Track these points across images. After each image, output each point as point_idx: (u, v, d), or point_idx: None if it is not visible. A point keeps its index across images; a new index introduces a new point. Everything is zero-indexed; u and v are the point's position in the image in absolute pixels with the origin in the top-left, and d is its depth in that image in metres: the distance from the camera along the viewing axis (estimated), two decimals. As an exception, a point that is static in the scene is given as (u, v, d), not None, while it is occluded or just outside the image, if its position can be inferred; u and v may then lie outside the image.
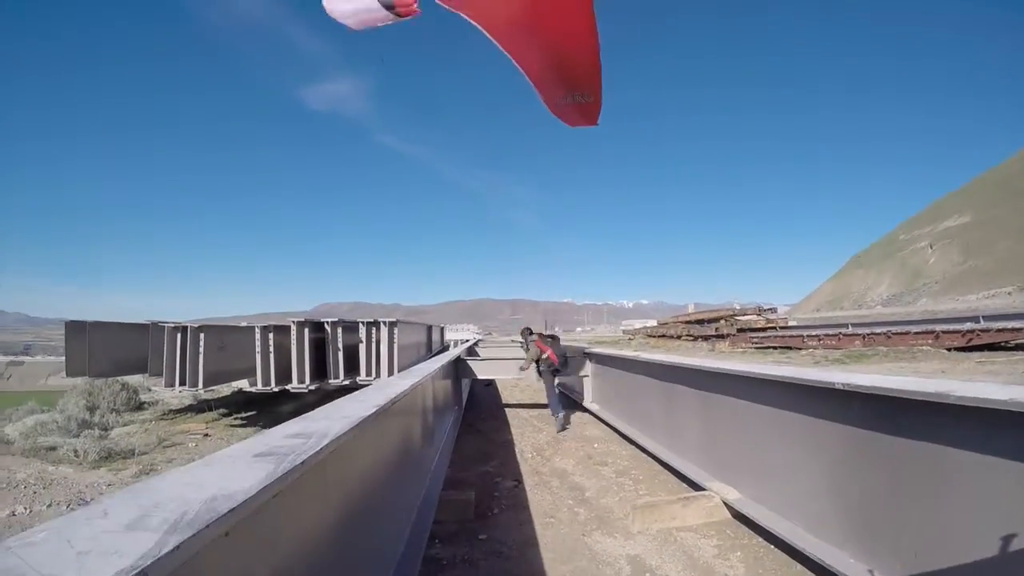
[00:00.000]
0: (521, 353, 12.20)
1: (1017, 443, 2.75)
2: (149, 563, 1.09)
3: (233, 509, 1.41)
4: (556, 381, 11.35)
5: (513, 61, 7.94)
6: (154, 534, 1.23)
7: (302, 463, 1.90)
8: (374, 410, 3.13)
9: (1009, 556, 2.73)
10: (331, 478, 2.44)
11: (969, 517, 3.04)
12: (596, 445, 9.05)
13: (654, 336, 48.04)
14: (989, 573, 2.87)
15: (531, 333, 11.92)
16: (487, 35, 7.23)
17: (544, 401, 12.95)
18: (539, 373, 11.29)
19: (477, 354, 14.16)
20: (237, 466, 1.83)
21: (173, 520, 1.31)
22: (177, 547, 1.17)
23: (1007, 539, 2.75)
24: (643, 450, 8.24)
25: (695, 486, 6.28)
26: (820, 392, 4.27)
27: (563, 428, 10.46)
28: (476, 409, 13.12)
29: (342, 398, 3.80)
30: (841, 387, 3.93)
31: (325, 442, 2.20)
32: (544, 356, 11.01)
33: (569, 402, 12.61)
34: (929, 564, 3.27)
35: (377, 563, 3.39)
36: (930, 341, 22.05)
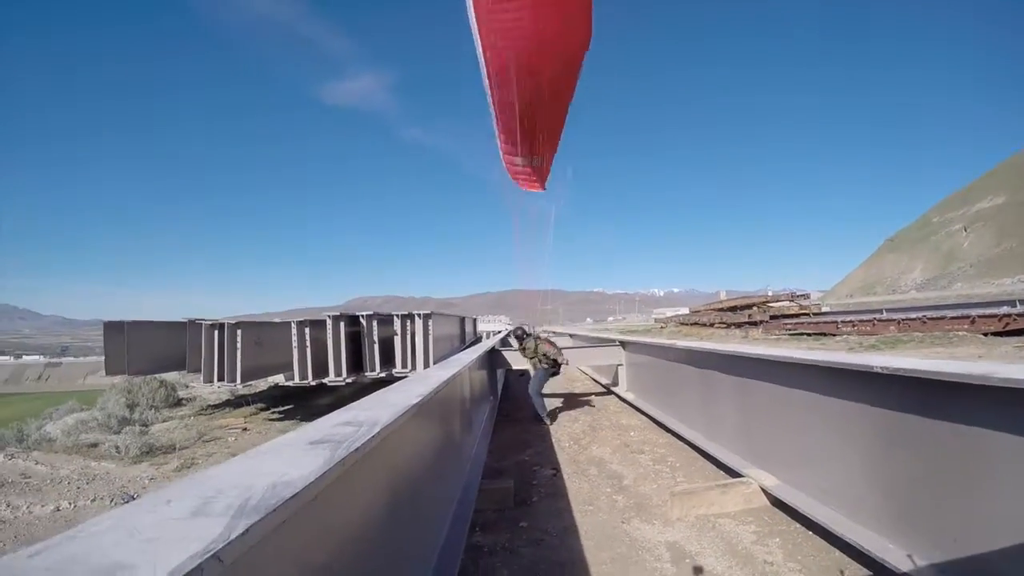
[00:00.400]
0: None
1: None
2: (221, 547, 1.10)
3: (296, 494, 1.43)
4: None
5: (494, 116, 8.13)
6: (221, 519, 1.24)
7: (356, 450, 1.92)
8: (418, 399, 3.15)
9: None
10: (380, 465, 2.46)
11: (1010, 503, 2.99)
12: (632, 433, 9.01)
13: (686, 324, 47.75)
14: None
15: (527, 335, 11.16)
16: (487, 85, 7.42)
17: (578, 391, 12.89)
18: (538, 372, 10.66)
19: (511, 345, 14.23)
20: (294, 453, 1.86)
21: (238, 505, 1.32)
22: (246, 531, 1.18)
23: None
24: (680, 437, 8.19)
25: (732, 473, 6.24)
26: (858, 376, 4.20)
27: (552, 422, 10.18)
28: (511, 399, 13.14)
29: (384, 389, 3.83)
30: (880, 370, 3.87)
31: (376, 430, 2.22)
32: (544, 353, 10.59)
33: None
34: (969, 549, 3.22)
35: (422, 549, 3.42)
36: (966, 326, 21.61)
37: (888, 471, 3.97)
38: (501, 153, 8.81)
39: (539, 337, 11.04)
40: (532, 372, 10.86)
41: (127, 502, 7.35)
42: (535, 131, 8.05)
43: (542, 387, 10.56)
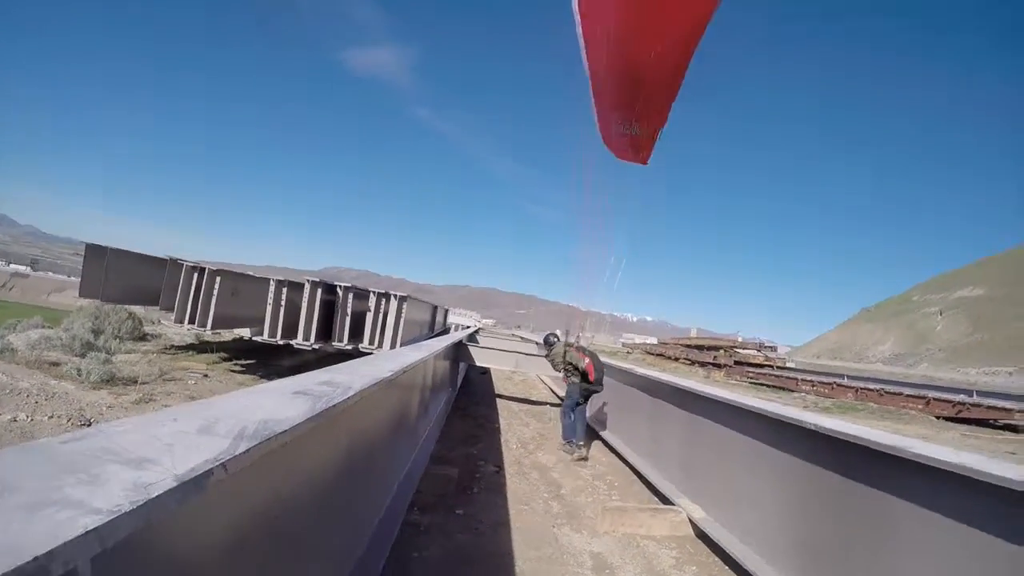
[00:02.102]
0: (525, 349, 11.93)
1: (959, 503, 2.95)
2: (228, 458, 1.37)
3: (285, 431, 1.70)
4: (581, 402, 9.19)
5: (589, 76, 7.81)
6: (224, 439, 1.51)
7: (334, 405, 2.19)
8: (390, 374, 3.40)
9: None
10: (348, 425, 2.74)
11: (909, 565, 3.24)
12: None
13: (652, 354, 48.04)
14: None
15: (556, 341, 9.95)
16: (583, 44, 7.14)
17: (535, 398, 13.03)
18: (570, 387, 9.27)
19: (477, 341, 14.39)
20: (280, 399, 2.13)
21: (237, 431, 1.59)
22: (247, 451, 1.45)
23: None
24: (622, 459, 8.47)
25: (665, 500, 6.49)
26: (792, 429, 4.45)
27: (583, 458, 8.60)
28: (469, 394, 13.36)
29: (356, 360, 4.06)
30: (812, 427, 4.12)
31: (351, 392, 2.49)
32: (581, 366, 8.97)
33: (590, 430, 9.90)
34: None
35: (366, 512, 3.67)
36: (920, 406, 22.04)
37: (805, 520, 4.24)
38: (596, 118, 8.12)
39: (570, 344, 9.45)
40: (567, 383, 9.50)
41: (84, 424, 7.51)
42: (642, 96, 7.46)
43: (575, 405, 9.04)
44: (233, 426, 1.63)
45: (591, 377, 8.90)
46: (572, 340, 9.61)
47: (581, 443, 8.73)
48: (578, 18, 6.86)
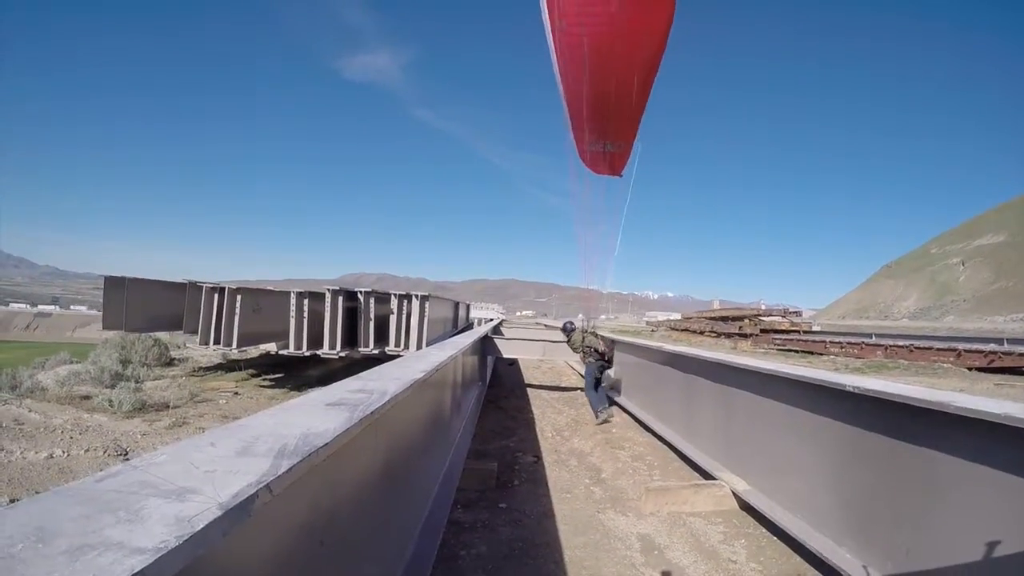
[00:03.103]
0: (551, 336, 12.09)
1: (1007, 455, 2.88)
2: (272, 479, 1.32)
3: (326, 444, 1.65)
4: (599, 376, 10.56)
5: (564, 100, 8.32)
6: (265, 459, 1.46)
7: (371, 413, 2.14)
8: (422, 375, 3.36)
9: (993, 561, 2.87)
10: (386, 430, 2.69)
11: (959, 521, 3.17)
12: (614, 430, 9.23)
13: (677, 329, 47.81)
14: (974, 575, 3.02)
15: (574, 328, 11.29)
16: (556, 67, 7.61)
17: (565, 385, 13.08)
18: (588, 367, 10.66)
19: (502, 333, 14.35)
20: (316, 411, 2.09)
21: (278, 449, 1.54)
22: (290, 469, 1.40)
23: (992, 545, 2.89)
24: (659, 437, 8.40)
25: (706, 475, 6.43)
26: (832, 393, 4.38)
27: (606, 421, 9.75)
28: (499, 386, 13.31)
29: (386, 364, 4.02)
30: (852, 389, 4.05)
31: (387, 398, 2.44)
32: (602, 351, 10.63)
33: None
34: (918, 563, 3.40)
35: (410, 517, 3.64)
36: (951, 359, 21.75)
37: (850, 484, 4.17)
38: (572, 138, 9.00)
39: (586, 331, 11.10)
40: (584, 366, 10.94)
41: (120, 455, 7.54)
42: (611, 117, 8.18)
43: (594, 382, 10.41)
44: (273, 444, 1.59)
45: (606, 357, 10.60)
46: (588, 327, 11.29)
47: (607, 406, 10.07)
48: (555, 56, 7.16)
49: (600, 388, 10.44)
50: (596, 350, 10.58)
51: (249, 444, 1.59)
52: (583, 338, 10.76)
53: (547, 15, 6.84)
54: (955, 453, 3.23)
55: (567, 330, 11.42)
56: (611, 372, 10.68)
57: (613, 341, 11.53)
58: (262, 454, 1.49)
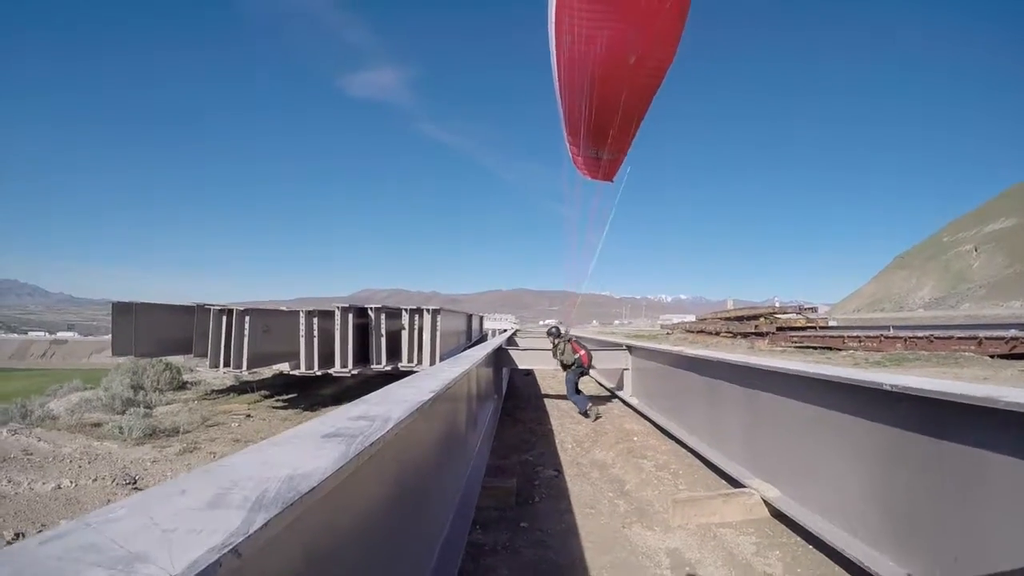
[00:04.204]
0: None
1: None
2: (240, 540, 1.08)
3: (313, 488, 1.40)
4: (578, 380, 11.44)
5: (562, 109, 8.43)
6: (239, 511, 1.22)
7: (371, 445, 1.90)
8: (430, 396, 3.14)
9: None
10: (390, 460, 2.45)
11: (1010, 524, 2.97)
12: (635, 439, 8.98)
13: (692, 332, 47.57)
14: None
15: (560, 335, 11.70)
16: (557, 77, 7.65)
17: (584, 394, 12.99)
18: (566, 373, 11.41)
19: (517, 344, 14.17)
20: (307, 446, 1.84)
21: (255, 498, 1.30)
22: (265, 525, 1.16)
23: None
24: (683, 445, 8.16)
25: (734, 483, 6.22)
26: (867, 392, 4.18)
27: (599, 416, 10.58)
28: (515, 398, 13.12)
29: (395, 383, 3.81)
30: (889, 388, 3.84)
31: (389, 426, 2.20)
32: (576, 357, 11.23)
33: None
34: (968, 570, 3.21)
35: (425, 545, 3.42)
36: (973, 347, 21.30)
37: (890, 488, 3.95)
38: (567, 144, 9.28)
39: (567, 340, 11.57)
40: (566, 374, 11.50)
41: (128, 483, 7.36)
42: (607, 129, 8.35)
43: (575, 387, 11.16)
44: (251, 491, 1.34)
45: (585, 364, 11.34)
46: (564, 334, 11.67)
47: (590, 406, 10.77)
48: (557, 67, 7.17)
49: (580, 392, 11.25)
50: (573, 361, 11.26)
51: (224, 491, 1.35)
52: (565, 348, 11.39)
53: (553, 28, 6.82)
54: (1005, 451, 3.02)
55: (552, 335, 11.79)
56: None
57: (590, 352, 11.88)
58: (236, 505, 1.26)
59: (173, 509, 1.24)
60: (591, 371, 13.89)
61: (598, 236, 11.10)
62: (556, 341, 11.56)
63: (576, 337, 12.17)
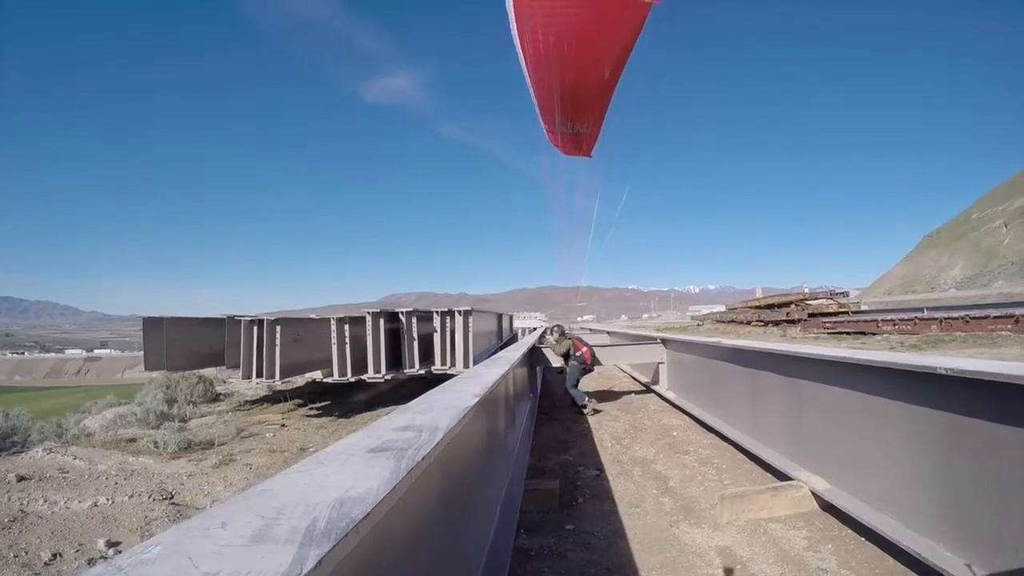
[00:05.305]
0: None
1: None
2: (296, 582, 0.93)
3: (368, 514, 1.25)
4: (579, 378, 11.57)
5: (530, 85, 8.26)
6: (287, 547, 1.06)
7: (423, 459, 1.76)
8: (475, 400, 3.01)
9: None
10: (439, 471, 2.31)
11: None
12: (675, 433, 8.81)
13: (723, 322, 47.18)
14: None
15: (563, 333, 12.05)
16: (521, 56, 7.50)
17: (618, 389, 12.82)
18: (566, 368, 11.56)
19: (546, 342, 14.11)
20: (355, 464, 1.69)
21: (304, 528, 1.15)
22: (320, 563, 1.01)
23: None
24: (724, 438, 8.01)
25: (781, 475, 6.09)
26: (919, 377, 4.02)
27: (596, 411, 10.87)
28: (550, 396, 13.02)
29: (437, 388, 3.70)
30: (944, 372, 3.68)
31: (439, 436, 2.06)
32: (578, 353, 11.38)
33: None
34: None
35: (471, 552, 3.30)
36: (1009, 326, 20.83)
37: (947, 477, 3.82)
38: (540, 120, 9.17)
39: (571, 337, 11.85)
40: (567, 369, 11.53)
41: (165, 498, 7.32)
42: (578, 100, 8.21)
43: (576, 382, 11.29)
44: (299, 521, 1.19)
45: (588, 361, 11.44)
46: (567, 334, 12.13)
47: (588, 400, 11.07)
48: (516, 33, 7.00)
49: (579, 387, 11.39)
50: (576, 356, 11.41)
51: (269, 522, 1.20)
52: (569, 347, 11.56)
53: (512, 9, 6.73)
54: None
55: (555, 333, 12.24)
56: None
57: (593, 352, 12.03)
58: (283, 539, 1.10)
59: (213, 546, 1.09)
60: (626, 366, 13.77)
61: (589, 218, 11.45)
62: (559, 339, 11.78)
63: (579, 337, 12.44)
